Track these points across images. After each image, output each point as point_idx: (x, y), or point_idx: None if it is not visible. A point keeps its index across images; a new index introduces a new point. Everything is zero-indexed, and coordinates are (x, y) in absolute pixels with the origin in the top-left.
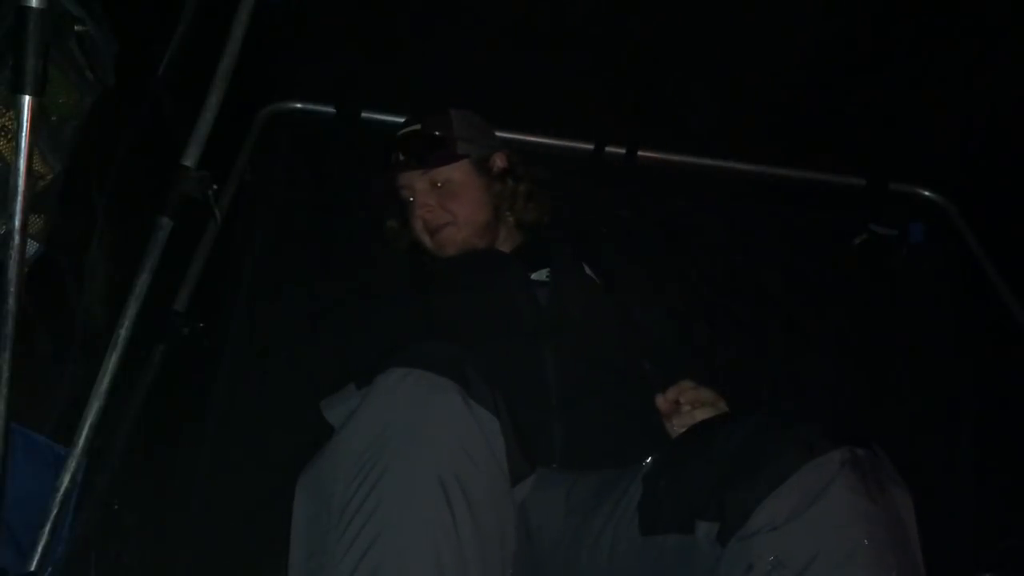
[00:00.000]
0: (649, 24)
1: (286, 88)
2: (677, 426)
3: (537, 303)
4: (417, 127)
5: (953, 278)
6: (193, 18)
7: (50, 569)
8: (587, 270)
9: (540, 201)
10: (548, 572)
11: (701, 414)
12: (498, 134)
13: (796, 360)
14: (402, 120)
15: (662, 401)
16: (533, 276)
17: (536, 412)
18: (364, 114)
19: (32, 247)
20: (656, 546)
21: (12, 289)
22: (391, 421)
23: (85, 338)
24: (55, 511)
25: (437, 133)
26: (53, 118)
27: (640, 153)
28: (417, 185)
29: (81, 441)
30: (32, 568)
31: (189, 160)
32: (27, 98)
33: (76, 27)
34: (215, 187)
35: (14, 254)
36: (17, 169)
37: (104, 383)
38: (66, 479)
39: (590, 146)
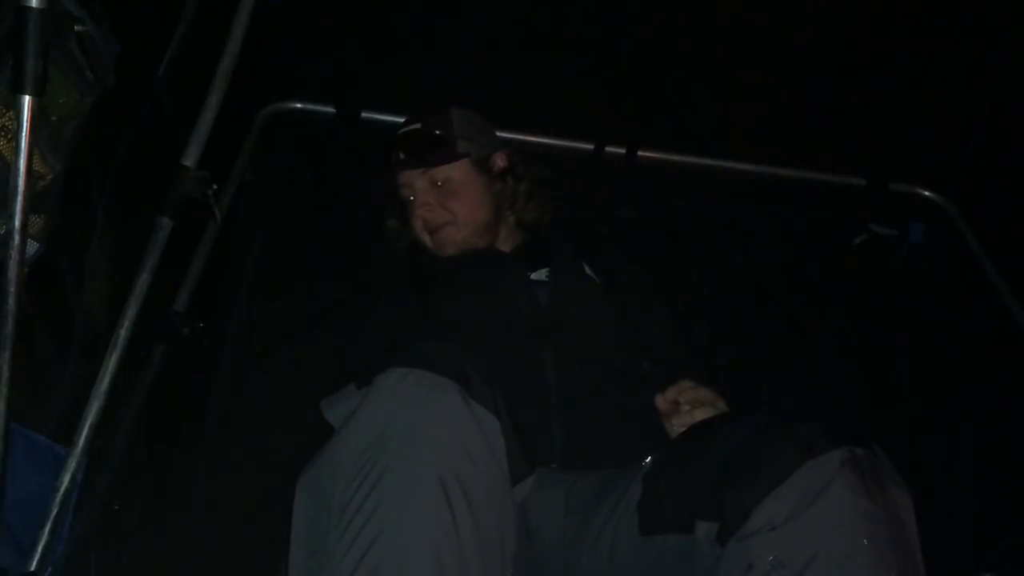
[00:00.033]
0: (649, 24)
1: (286, 88)
2: (677, 426)
3: (537, 303)
4: (417, 126)
5: (953, 278)
6: (193, 18)
7: (50, 569)
8: (587, 270)
9: (540, 200)
10: (548, 572)
11: (700, 414)
12: (498, 134)
13: (796, 360)
14: (402, 120)
15: (661, 401)
16: (533, 276)
17: (536, 412)
18: (364, 114)
19: (32, 247)
20: (656, 546)
21: (12, 289)
22: (391, 421)
23: (85, 338)
24: (55, 511)
25: (438, 132)
26: (53, 118)
27: (640, 153)
28: (417, 184)
29: (81, 441)
30: (32, 568)
31: (189, 160)
32: (27, 98)
33: (76, 27)
34: (215, 187)
35: (14, 254)
36: (17, 169)
37: (104, 383)
38: (66, 479)
39: (590, 146)
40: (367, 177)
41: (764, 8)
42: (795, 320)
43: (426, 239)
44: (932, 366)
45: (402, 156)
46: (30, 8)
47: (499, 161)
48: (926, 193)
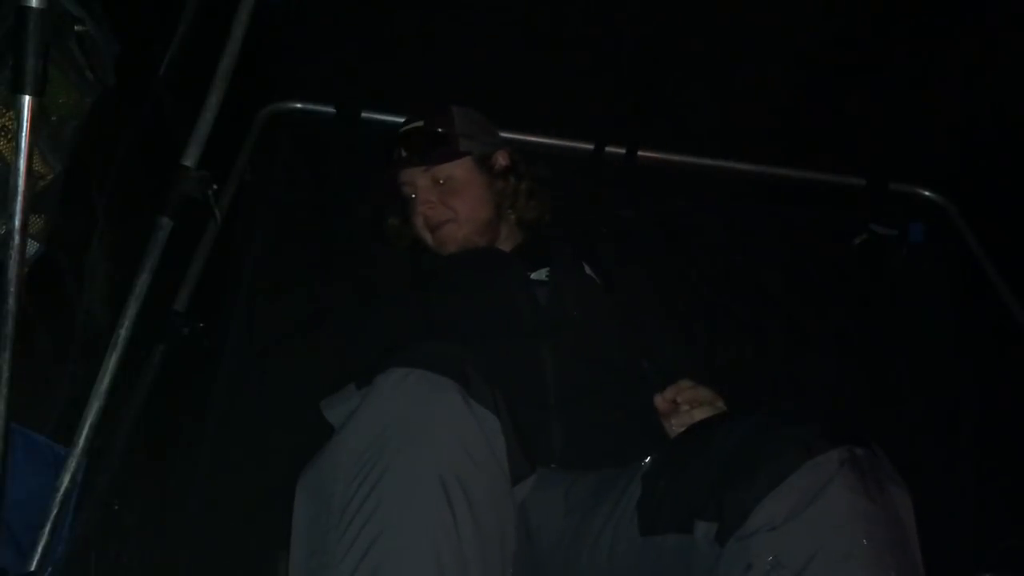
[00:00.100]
0: (649, 24)
1: (286, 88)
2: (676, 426)
3: (536, 303)
4: (420, 124)
5: (953, 278)
6: (193, 18)
7: (50, 569)
8: (587, 270)
9: (541, 199)
10: (548, 572)
11: (700, 413)
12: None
13: (796, 360)
14: (402, 120)
15: (660, 401)
16: (533, 276)
17: (535, 412)
18: (364, 114)
19: (32, 247)
20: (655, 546)
21: (12, 289)
22: (391, 421)
23: (85, 338)
24: (55, 511)
25: (440, 130)
26: (53, 118)
27: (640, 153)
28: (419, 182)
29: (81, 441)
30: (32, 568)
31: (189, 160)
32: (27, 98)
33: (76, 27)
34: (215, 187)
35: (14, 254)
36: (17, 169)
37: (104, 383)
38: (66, 479)
39: (590, 146)
40: (367, 177)
41: (764, 8)
42: (795, 320)
43: (427, 237)
44: (932, 366)
45: (404, 154)
46: (30, 8)
47: (501, 159)
48: (926, 193)
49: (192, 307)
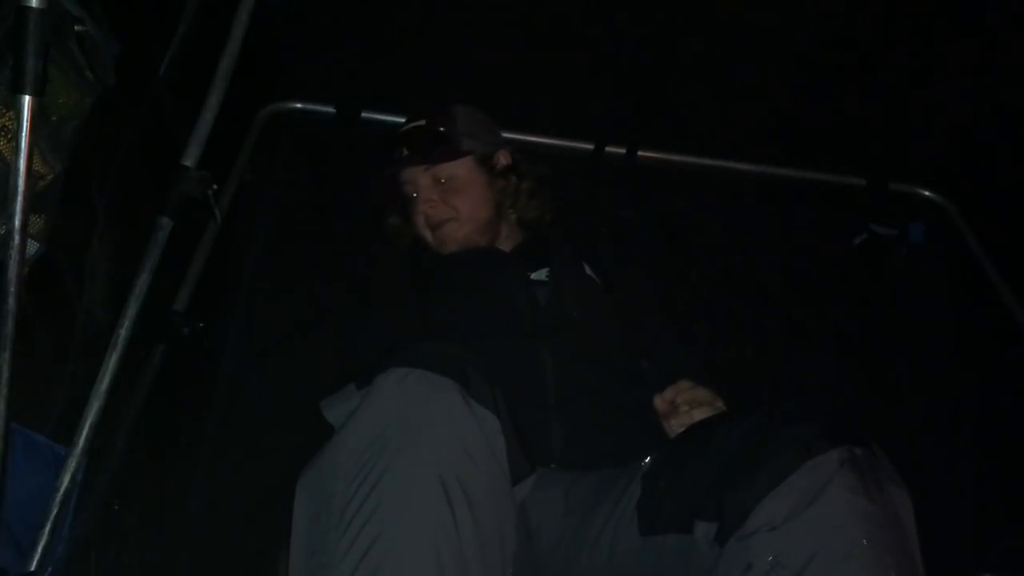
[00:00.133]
0: (649, 24)
1: (286, 88)
2: (675, 426)
3: (536, 303)
4: (422, 122)
5: (953, 278)
6: (193, 18)
7: (50, 569)
8: (587, 270)
9: (542, 199)
10: (548, 572)
11: (699, 414)
12: None
13: (796, 360)
14: (402, 120)
15: (660, 402)
16: (533, 276)
17: (535, 412)
18: (364, 114)
19: (32, 247)
20: (655, 546)
21: (12, 289)
22: (391, 421)
23: (85, 338)
24: (55, 511)
25: (441, 129)
26: (53, 118)
27: (640, 153)
28: (420, 180)
29: (81, 441)
30: (32, 568)
31: (189, 160)
32: (27, 98)
33: (76, 27)
34: (215, 187)
35: (14, 254)
36: (17, 169)
37: (104, 383)
38: (66, 479)
39: (590, 146)
40: (367, 177)
41: (764, 8)
42: (795, 320)
43: (428, 236)
44: (932, 366)
45: (406, 152)
46: (30, 8)
47: (502, 159)
48: (926, 193)
49: (192, 307)
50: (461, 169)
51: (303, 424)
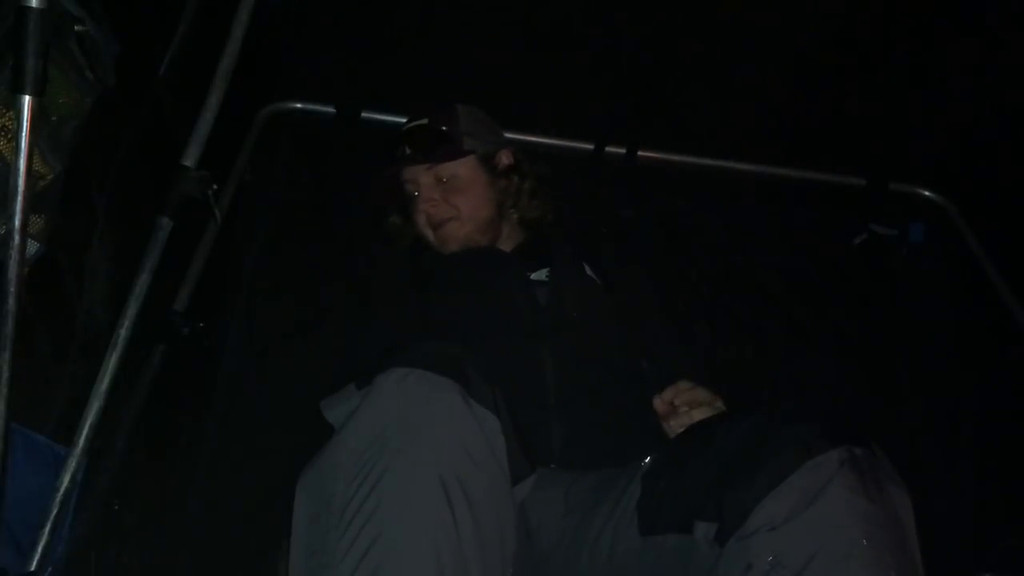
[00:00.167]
0: (649, 24)
1: (286, 88)
2: (675, 427)
3: (536, 303)
4: (424, 121)
5: (953, 278)
6: (193, 18)
7: (50, 569)
8: (587, 270)
9: (544, 199)
10: (548, 572)
11: (699, 414)
12: None
13: (796, 360)
14: (402, 120)
15: (659, 403)
16: (533, 276)
17: (534, 412)
18: (364, 114)
19: (32, 247)
20: (655, 546)
21: (12, 289)
22: (391, 421)
23: (85, 338)
24: (55, 511)
25: (444, 128)
26: (53, 118)
27: (640, 153)
28: (422, 179)
29: (81, 441)
30: (32, 568)
31: (189, 160)
32: (27, 98)
33: (76, 27)
34: (215, 187)
35: (14, 254)
36: (17, 169)
37: (104, 383)
38: (66, 479)
39: (590, 146)
40: (367, 177)
41: (764, 8)
42: (795, 320)
43: (429, 235)
44: (932, 366)
45: (408, 151)
46: (30, 8)
47: (504, 158)
48: (926, 193)
49: (192, 307)
50: (463, 168)
51: (303, 424)
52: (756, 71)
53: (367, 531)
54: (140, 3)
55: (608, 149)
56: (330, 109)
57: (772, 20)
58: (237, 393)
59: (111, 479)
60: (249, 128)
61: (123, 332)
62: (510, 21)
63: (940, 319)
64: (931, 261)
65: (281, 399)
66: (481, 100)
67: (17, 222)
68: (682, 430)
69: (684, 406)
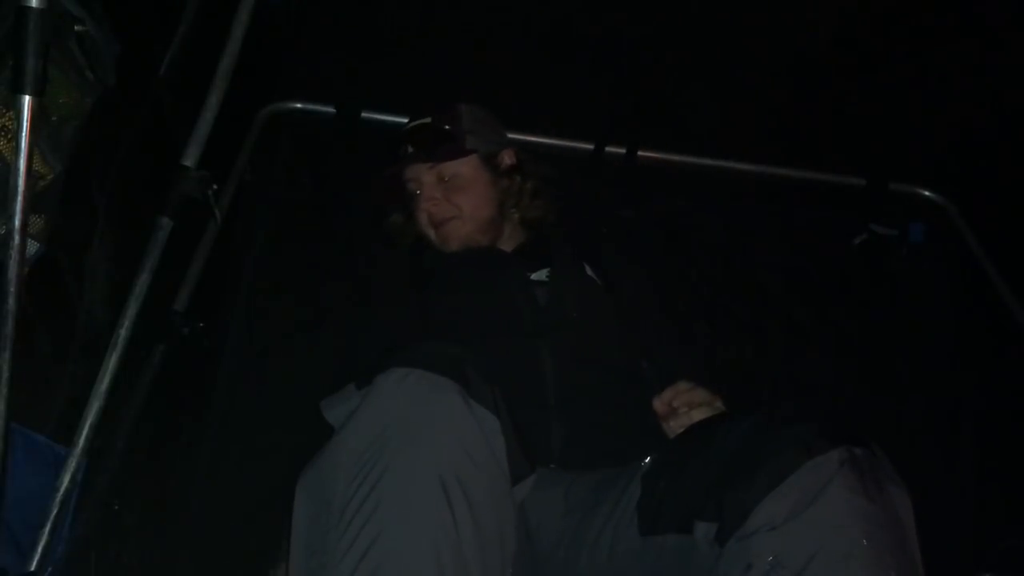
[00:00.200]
0: (649, 24)
1: (286, 88)
2: (675, 428)
3: (536, 303)
4: (427, 120)
5: (953, 278)
6: (193, 18)
7: (50, 569)
8: (588, 270)
9: (546, 199)
10: (548, 572)
11: (698, 414)
12: None
13: (796, 360)
14: (402, 120)
15: (659, 404)
16: (533, 276)
17: (534, 412)
18: (364, 114)
19: (32, 247)
20: (655, 546)
21: (12, 289)
22: (391, 421)
23: (85, 338)
24: (55, 511)
25: (447, 127)
26: (53, 118)
27: (640, 153)
28: (424, 178)
29: (81, 441)
30: (32, 568)
31: (189, 160)
32: (27, 98)
33: (76, 27)
34: (215, 187)
35: (14, 254)
36: (17, 169)
37: (104, 383)
38: (66, 479)
39: (590, 146)
40: (367, 177)
41: (764, 8)
42: (795, 320)
43: (431, 233)
44: (932, 366)
45: (410, 149)
46: (30, 8)
47: (507, 158)
48: (926, 193)
49: (192, 307)
50: (465, 167)
51: (303, 424)
52: (756, 71)
53: (367, 531)
54: (140, 3)
55: (608, 149)
56: (330, 109)
57: (772, 20)
58: (237, 393)
59: (111, 479)
60: (249, 128)
61: (123, 332)
62: (510, 21)
63: (940, 319)
64: (931, 261)
65: (281, 399)
66: (481, 100)
67: (17, 222)
68: (682, 431)
69: (683, 407)
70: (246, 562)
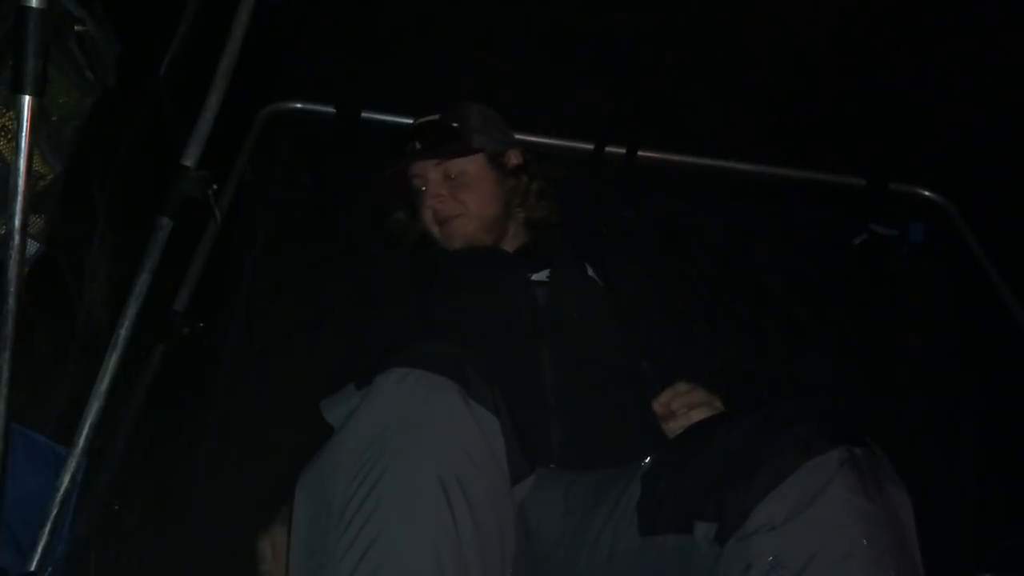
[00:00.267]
0: (649, 24)
1: (286, 88)
2: (674, 429)
3: (536, 303)
4: (435, 117)
5: (953, 278)
6: (193, 18)
7: (50, 569)
8: (589, 271)
9: (551, 200)
10: (548, 572)
11: (698, 415)
12: None
13: (796, 360)
14: (402, 120)
15: (657, 406)
16: (534, 277)
17: (533, 412)
18: (364, 114)
19: (32, 247)
20: (655, 546)
21: (12, 289)
22: (391, 421)
23: (85, 338)
24: (55, 511)
25: (455, 124)
26: (53, 118)
27: (640, 153)
28: (430, 175)
29: (81, 441)
30: (32, 568)
31: (189, 160)
32: (27, 98)
33: (76, 27)
34: (215, 187)
35: (14, 254)
36: (17, 169)
37: (104, 383)
38: (66, 479)
39: (590, 146)
40: (367, 177)
41: (764, 8)
42: (795, 320)
43: (435, 230)
44: (932, 366)
45: (418, 146)
46: (30, 8)
47: (513, 158)
48: (926, 193)
49: (192, 307)
50: (472, 165)
51: (303, 424)
52: (756, 71)
53: (367, 531)
54: (140, 3)
55: (608, 149)
56: (330, 109)
57: (772, 20)
58: (237, 393)
59: (111, 479)
60: (249, 128)
61: (123, 332)
62: (510, 21)
63: (940, 319)
64: (931, 261)
65: (281, 399)
66: (481, 100)
67: (17, 222)
68: (682, 431)
69: (682, 409)
70: (246, 562)
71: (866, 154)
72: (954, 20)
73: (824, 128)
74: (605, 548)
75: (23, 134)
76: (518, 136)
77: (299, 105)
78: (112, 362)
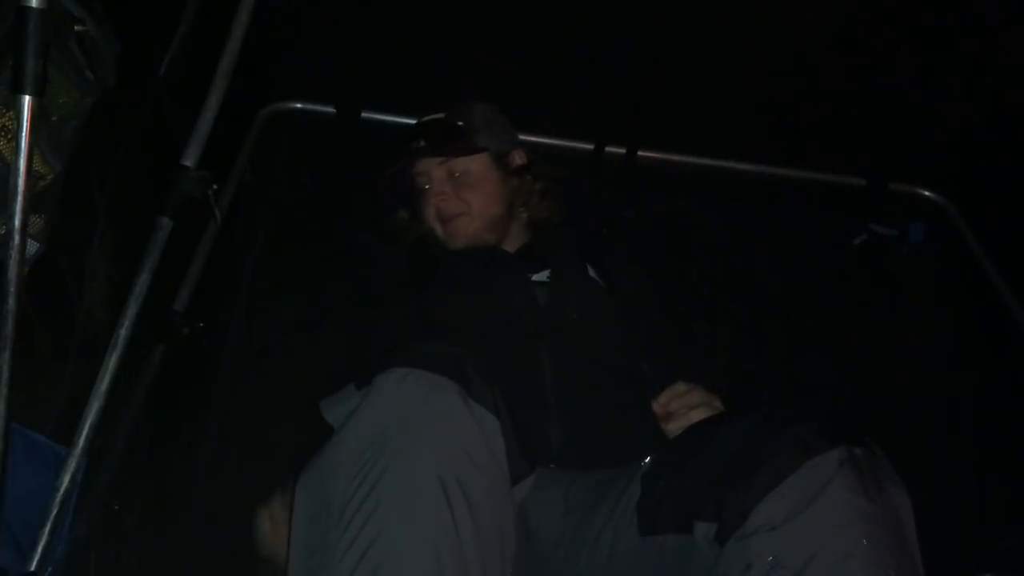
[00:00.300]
0: (649, 23)
1: (286, 88)
2: (674, 429)
3: (536, 303)
4: (440, 116)
5: (953, 278)
6: (193, 18)
7: (50, 569)
8: (590, 271)
9: (554, 200)
10: (548, 572)
11: (697, 415)
12: None
13: (796, 360)
14: (402, 120)
15: (656, 407)
16: (535, 277)
17: (533, 412)
18: (364, 114)
19: (32, 247)
20: (655, 546)
21: (12, 289)
22: (391, 421)
23: (85, 338)
24: (55, 511)
25: (459, 123)
26: (53, 118)
27: (640, 153)
28: (434, 173)
29: (81, 441)
30: (32, 568)
31: (189, 160)
32: (27, 98)
33: (76, 27)
34: (215, 187)
35: (14, 254)
36: (17, 169)
37: (104, 383)
38: (66, 479)
39: (590, 146)
40: (367, 177)
41: (764, 8)
42: (795, 320)
43: (437, 229)
44: (932, 366)
45: (422, 144)
46: (30, 8)
47: (518, 158)
48: (926, 193)
49: (192, 307)
50: (476, 164)
51: (303, 424)
52: (756, 71)
53: (367, 531)
54: (140, 3)
55: (608, 149)
56: (330, 109)
57: (772, 20)
58: (237, 393)
59: (111, 479)
60: (249, 128)
61: (123, 332)
62: (510, 21)
63: (940, 319)
64: (931, 261)
65: (281, 399)
66: (481, 100)
67: (17, 222)
68: (681, 432)
69: (681, 409)
70: (246, 562)
71: (866, 154)
72: (954, 20)
73: (824, 128)
74: (605, 548)
75: (23, 134)
76: (519, 137)
77: (299, 105)
78: (112, 362)
